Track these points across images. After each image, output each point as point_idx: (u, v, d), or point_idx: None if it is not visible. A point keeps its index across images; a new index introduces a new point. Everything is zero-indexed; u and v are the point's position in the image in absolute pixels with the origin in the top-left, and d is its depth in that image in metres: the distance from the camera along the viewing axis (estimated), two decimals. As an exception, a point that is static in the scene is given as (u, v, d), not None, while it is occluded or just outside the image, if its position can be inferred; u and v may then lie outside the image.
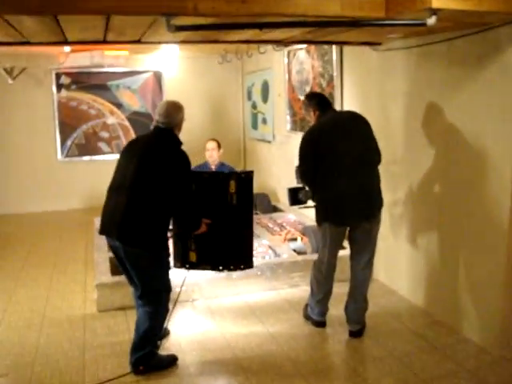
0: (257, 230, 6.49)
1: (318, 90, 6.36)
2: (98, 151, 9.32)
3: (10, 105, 8.81)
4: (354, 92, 5.70)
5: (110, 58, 7.37)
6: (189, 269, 4.07)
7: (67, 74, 8.95)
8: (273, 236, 6.26)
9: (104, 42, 4.15)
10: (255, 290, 5.26)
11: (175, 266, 4.09)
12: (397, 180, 5.01)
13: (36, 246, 7.13)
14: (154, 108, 9.26)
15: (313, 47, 6.38)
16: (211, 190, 3.88)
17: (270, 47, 6.60)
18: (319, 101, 4.19)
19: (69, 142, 9.15)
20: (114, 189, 3.71)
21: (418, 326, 4.46)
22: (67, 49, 5.74)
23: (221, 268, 4.01)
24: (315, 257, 4.48)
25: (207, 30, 3.34)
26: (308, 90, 6.63)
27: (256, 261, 5.10)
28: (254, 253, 5.46)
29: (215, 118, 9.75)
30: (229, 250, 3.97)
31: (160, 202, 3.56)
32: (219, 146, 6.54)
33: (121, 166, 3.75)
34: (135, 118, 9.37)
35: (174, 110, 3.74)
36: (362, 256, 4.17)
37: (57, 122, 9.04)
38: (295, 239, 6.04)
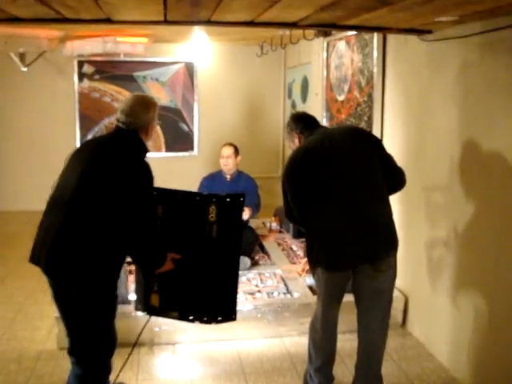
0: (275, 253, 5.49)
1: (356, 90, 5.27)
2: None
3: (23, 95, 8.17)
4: (397, 94, 4.55)
5: (126, 46, 6.47)
6: (150, 315, 3.16)
7: (90, 63, 8.24)
8: (291, 264, 5.18)
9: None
10: (254, 335, 4.24)
11: (136, 308, 3.21)
12: (438, 212, 3.86)
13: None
14: (184, 103, 8.54)
15: (353, 37, 5.26)
16: (184, 215, 2.99)
17: (311, 37, 5.59)
18: (305, 124, 3.32)
19: (89, 136, 8.42)
20: (52, 205, 2.84)
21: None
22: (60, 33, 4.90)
23: (191, 318, 3.07)
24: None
25: None
26: (346, 89, 5.52)
27: (261, 298, 4.43)
28: (262, 286, 4.56)
29: (252, 118, 8.85)
30: (203, 296, 3.03)
31: (108, 226, 2.67)
32: (237, 152, 5.56)
33: (63, 176, 2.88)
34: (163, 114, 8.47)
35: (141, 107, 2.88)
36: (370, 317, 3.13)
37: (77, 115, 8.38)
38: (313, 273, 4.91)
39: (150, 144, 2.96)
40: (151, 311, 3.12)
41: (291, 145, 3.43)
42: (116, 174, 2.70)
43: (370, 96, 4.92)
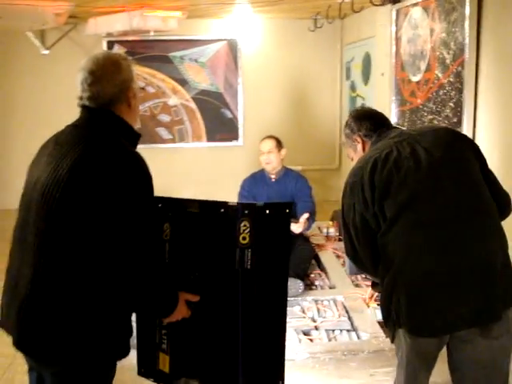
0: (335, 269, 4.58)
1: (437, 68, 4.24)
2: (157, 138, 7.80)
3: (44, 81, 7.38)
4: (498, 73, 3.49)
5: (156, 21, 5.59)
6: (158, 382, 2.25)
7: (121, 43, 7.44)
8: (355, 288, 4.19)
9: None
10: (309, 392, 3.28)
11: (139, 372, 2.30)
12: None
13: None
14: (226, 87, 7.73)
15: (433, 1, 4.20)
16: (203, 236, 2.09)
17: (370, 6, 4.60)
18: (372, 124, 2.48)
19: None
20: (17, 238, 1.97)
21: None
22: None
23: None
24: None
25: None
26: (423, 67, 4.54)
27: (319, 342, 3.50)
28: (319, 320, 3.73)
29: (304, 103, 7.90)
30: (234, 357, 2.10)
31: (95, 265, 1.79)
32: (280, 146, 4.62)
33: (26, 195, 1.99)
34: (203, 99, 7.72)
35: (108, 66, 1.98)
36: None
37: None
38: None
39: (133, 116, 2.06)
40: (159, 378, 2.23)
41: (351, 153, 2.56)
42: (90, 185, 1.78)
43: (458, 75, 3.89)
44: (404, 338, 2.14)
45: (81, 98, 1.97)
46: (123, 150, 1.86)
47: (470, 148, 2.27)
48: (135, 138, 2.01)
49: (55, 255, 1.78)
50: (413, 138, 2.25)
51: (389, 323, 2.19)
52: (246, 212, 2.00)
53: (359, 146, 2.45)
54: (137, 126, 2.05)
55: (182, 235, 2.08)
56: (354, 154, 2.49)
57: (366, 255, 2.26)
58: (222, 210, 2.04)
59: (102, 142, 1.88)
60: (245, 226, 1.99)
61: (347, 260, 2.52)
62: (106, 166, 1.80)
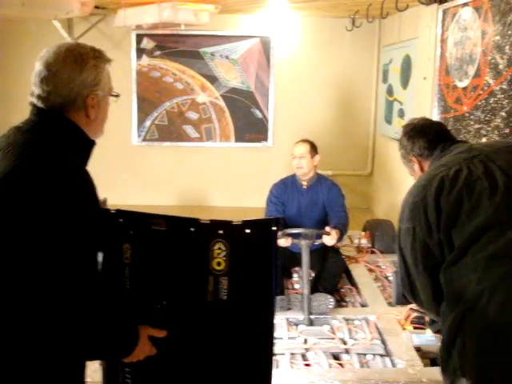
0: (367, 285, 4.32)
1: (488, 73, 3.90)
2: (184, 136, 7.65)
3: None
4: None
5: (188, 14, 5.34)
6: None
7: (150, 37, 7.32)
8: (389, 308, 3.89)
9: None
10: (339, 424, 3.00)
11: None
12: None
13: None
14: (258, 85, 7.57)
15: (487, 1, 3.88)
16: (171, 260, 1.76)
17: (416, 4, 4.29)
18: (429, 140, 2.21)
19: (148, 123, 7.59)
20: None
21: None
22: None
23: None
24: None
25: None
26: (472, 72, 4.18)
27: (350, 368, 3.19)
28: (350, 343, 3.45)
29: (337, 105, 7.67)
30: None
31: (27, 308, 1.48)
32: (314, 151, 4.35)
33: None
34: (233, 97, 7.54)
35: (69, 63, 1.64)
36: None
37: (134, 97, 7.49)
38: (423, 324, 3.61)
39: (93, 130, 1.73)
40: None
41: (411, 172, 2.31)
42: (17, 206, 1.48)
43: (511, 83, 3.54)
44: None
45: (31, 94, 1.66)
46: (64, 167, 1.54)
47: None
48: (88, 146, 1.70)
49: None
50: (486, 156, 1.97)
51: (448, 369, 1.89)
52: (221, 232, 1.68)
53: (416, 166, 2.21)
54: (95, 137, 1.74)
55: (146, 257, 1.77)
56: (414, 173, 2.23)
57: (425, 288, 1.97)
58: (192, 229, 1.72)
59: (41, 153, 1.55)
60: (219, 248, 1.68)
61: (394, 288, 2.21)
62: (38, 184, 1.49)
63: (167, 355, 1.77)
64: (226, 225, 1.69)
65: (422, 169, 2.21)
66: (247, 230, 1.68)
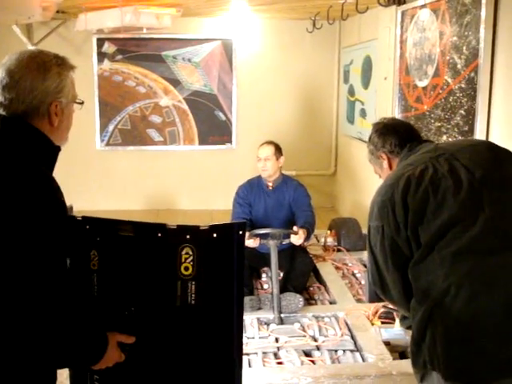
0: (334, 282, 4.37)
1: (447, 73, 4.00)
2: (147, 140, 7.63)
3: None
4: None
5: (150, 18, 5.34)
6: None
7: (111, 41, 7.26)
8: (357, 304, 3.97)
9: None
10: (312, 419, 3.05)
11: None
12: None
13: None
14: (220, 88, 7.56)
15: (444, 3, 3.98)
16: (139, 266, 1.75)
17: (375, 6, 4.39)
18: (399, 138, 2.26)
19: (111, 127, 7.55)
20: None
21: None
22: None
23: None
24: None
25: None
26: (431, 71, 4.30)
27: (322, 364, 3.25)
28: (321, 339, 3.51)
29: (299, 106, 7.75)
30: None
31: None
32: (279, 153, 4.39)
33: None
34: (196, 100, 7.55)
35: (32, 70, 1.63)
36: None
37: (96, 101, 7.42)
38: (391, 319, 3.69)
39: (57, 137, 1.71)
40: None
41: (377, 170, 2.35)
42: None
43: (470, 82, 3.67)
44: (438, 381, 1.88)
45: None
46: (31, 174, 1.54)
47: None
48: (53, 153, 1.67)
49: None
50: (451, 154, 2.02)
51: (418, 362, 1.95)
52: (188, 237, 1.68)
53: (385, 163, 2.25)
54: (60, 144, 1.72)
55: (113, 264, 1.76)
56: (381, 171, 2.28)
57: (395, 284, 2.02)
58: (160, 234, 1.72)
59: (6, 161, 1.55)
60: (187, 253, 1.69)
61: (366, 286, 2.23)
62: (5, 191, 1.49)
63: (136, 361, 1.77)
64: (193, 230, 1.69)
65: (390, 166, 2.26)
66: (214, 235, 1.69)
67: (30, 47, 6.22)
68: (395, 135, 2.25)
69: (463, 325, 1.80)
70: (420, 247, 1.91)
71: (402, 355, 3.51)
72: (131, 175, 7.59)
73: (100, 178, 7.53)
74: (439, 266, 1.86)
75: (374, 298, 2.40)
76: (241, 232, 1.71)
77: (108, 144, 7.50)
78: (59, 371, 1.72)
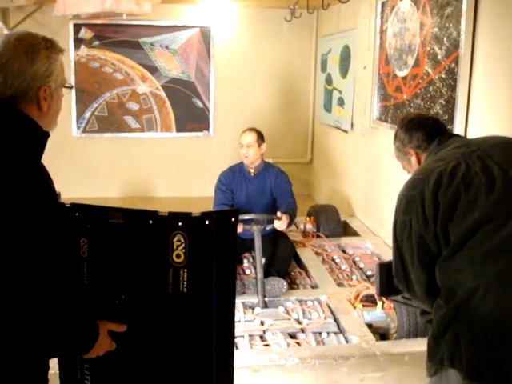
0: (315, 267, 4.46)
1: (427, 63, 4.07)
2: (124, 127, 7.50)
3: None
4: (497, 71, 3.37)
5: (129, 4, 5.28)
6: None
7: (88, 27, 7.11)
8: (339, 288, 4.05)
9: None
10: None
11: None
12: None
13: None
14: (198, 75, 7.49)
15: (425, -5, 4.07)
16: (129, 254, 1.72)
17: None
18: (427, 133, 2.20)
19: (87, 114, 7.38)
20: None
21: None
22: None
23: None
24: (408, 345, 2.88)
25: None
26: (411, 61, 4.34)
27: (308, 346, 3.35)
28: (305, 322, 3.58)
29: (277, 94, 7.70)
30: None
31: None
32: (261, 140, 4.43)
33: None
34: (174, 87, 7.44)
35: (20, 53, 1.57)
36: None
37: (73, 88, 7.13)
38: (372, 302, 3.78)
39: (46, 122, 1.65)
40: None
41: (406, 166, 2.31)
42: None
43: (450, 72, 3.75)
44: (456, 379, 1.85)
45: None
46: (20, 160, 1.49)
47: None
48: (42, 138, 1.62)
49: None
50: (484, 151, 1.97)
51: (435, 357, 1.92)
52: (180, 224, 1.63)
53: (413, 159, 2.22)
54: (49, 129, 1.66)
55: (103, 252, 1.72)
56: (410, 167, 2.25)
57: (419, 280, 1.97)
58: (151, 222, 1.67)
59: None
60: (179, 241, 1.64)
61: (377, 279, 2.15)
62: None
63: (127, 350, 1.74)
64: (185, 217, 1.64)
65: (419, 161, 2.21)
66: (206, 222, 1.65)
67: (6, 32, 6.13)
68: (422, 130, 2.21)
69: (490, 328, 1.75)
70: (449, 244, 1.87)
71: (382, 337, 3.62)
72: (108, 162, 7.49)
73: (76, 165, 7.40)
74: (468, 264, 1.81)
75: (384, 292, 2.36)
76: (233, 219, 1.69)
77: (85, 131, 7.36)
78: (51, 360, 1.70)
